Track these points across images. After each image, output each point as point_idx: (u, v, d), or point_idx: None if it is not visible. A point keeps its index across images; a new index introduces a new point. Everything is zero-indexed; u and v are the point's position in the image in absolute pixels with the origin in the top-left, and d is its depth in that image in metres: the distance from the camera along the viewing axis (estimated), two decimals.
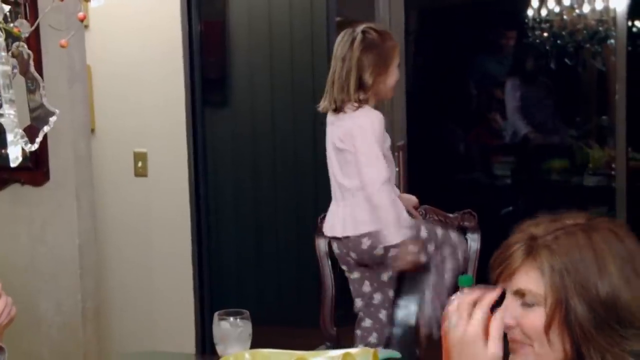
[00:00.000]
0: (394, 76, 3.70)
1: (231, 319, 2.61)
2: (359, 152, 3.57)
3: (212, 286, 4.66)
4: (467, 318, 1.72)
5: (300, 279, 3.98)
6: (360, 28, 3.67)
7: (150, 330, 4.66)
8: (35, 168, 3.69)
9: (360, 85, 3.59)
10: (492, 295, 1.74)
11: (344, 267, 3.70)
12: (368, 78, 3.60)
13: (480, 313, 1.72)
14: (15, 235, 3.66)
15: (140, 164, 4.79)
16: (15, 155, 1.37)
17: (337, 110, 3.66)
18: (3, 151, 3.58)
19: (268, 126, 4.96)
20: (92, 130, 4.34)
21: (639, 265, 1.66)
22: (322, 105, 3.73)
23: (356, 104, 3.59)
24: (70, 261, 3.65)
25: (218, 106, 4.96)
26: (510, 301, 1.73)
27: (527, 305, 1.71)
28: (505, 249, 1.76)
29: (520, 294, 1.71)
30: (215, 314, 2.65)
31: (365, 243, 3.57)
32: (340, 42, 3.70)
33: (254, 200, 4.96)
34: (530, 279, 1.70)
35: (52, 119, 1.43)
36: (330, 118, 3.74)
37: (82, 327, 3.64)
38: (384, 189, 3.54)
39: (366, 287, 3.74)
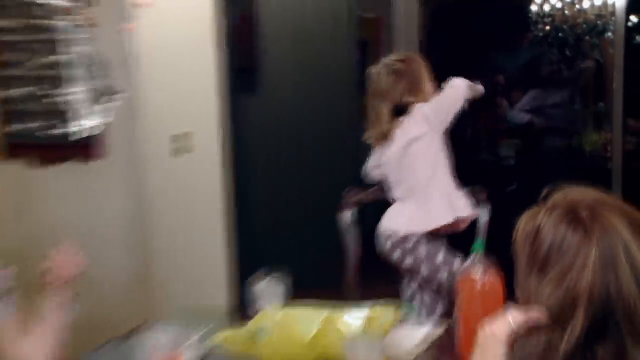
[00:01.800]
0: (429, 93, 3.75)
1: (267, 279, 2.70)
2: None
3: (253, 250, 4.79)
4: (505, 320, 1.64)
5: (329, 247, 4.06)
6: (383, 63, 3.77)
7: (192, 289, 4.76)
8: (89, 146, 3.71)
9: (402, 112, 3.69)
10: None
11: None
12: (407, 103, 3.68)
13: (512, 318, 1.65)
14: (75, 204, 3.74)
15: (178, 145, 4.90)
16: (89, 126, 1.47)
17: (386, 139, 3.78)
18: (63, 130, 3.75)
19: (292, 108, 5.04)
20: (137, 115, 4.45)
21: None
22: (370, 136, 3.84)
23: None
24: (122, 227, 3.76)
25: (248, 89, 5.03)
26: None
27: None
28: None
29: None
30: (254, 275, 2.74)
31: None
32: (373, 82, 3.79)
33: (281, 174, 5.03)
34: None
35: (118, 97, 1.53)
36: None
37: (134, 287, 3.75)
38: None
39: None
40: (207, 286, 4.72)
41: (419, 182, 3.78)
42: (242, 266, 4.21)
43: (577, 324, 1.47)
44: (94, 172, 3.74)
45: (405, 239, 3.72)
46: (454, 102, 3.76)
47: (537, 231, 1.57)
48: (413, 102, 3.69)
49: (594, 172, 5.17)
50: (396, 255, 3.77)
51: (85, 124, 1.38)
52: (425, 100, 3.71)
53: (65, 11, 1.66)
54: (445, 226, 3.73)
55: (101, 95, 1.36)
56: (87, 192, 3.75)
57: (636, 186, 4.86)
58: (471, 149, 5.92)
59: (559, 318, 1.51)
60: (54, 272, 2.49)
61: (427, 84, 3.78)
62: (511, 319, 1.67)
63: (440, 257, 3.73)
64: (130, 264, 3.76)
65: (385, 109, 3.73)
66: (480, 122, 5.75)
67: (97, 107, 1.32)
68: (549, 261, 1.53)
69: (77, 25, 1.29)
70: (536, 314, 1.61)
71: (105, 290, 3.73)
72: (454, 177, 3.90)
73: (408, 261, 3.76)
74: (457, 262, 3.63)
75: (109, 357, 2.68)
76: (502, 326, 1.68)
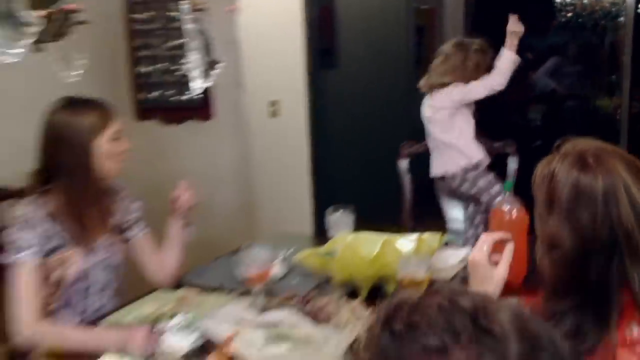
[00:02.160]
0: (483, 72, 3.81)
1: (339, 212, 2.75)
2: None
3: (326, 189, 4.80)
4: (479, 247, 1.79)
5: (389, 188, 4.09)
6: (472, 44, 3.86)
7: (283, 219, 4.84)
8: (204, 108, 3.82)
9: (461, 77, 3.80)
10: (498, 235, 1.82)
11: None
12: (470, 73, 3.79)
13: (485, 245, 1.79)
14: (192, 154, 3.83)
15: (274, 107, 4.98)
16: (197, 87, 1.50)
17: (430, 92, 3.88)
18: (183, 96, 3.85)
19: (362, 80, 5.03)
20: (242, 84, 4.53)
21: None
22: (422, 84, 3.94)
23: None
24: (230, 171, 3.85)
25: (328, 65, 5.04)
26: None
27: None
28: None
29: None
30: (329, 209, 2.80)
31: None
32: (451, 49, 3.87)
33: (352, 132, 5.06)
34: None
35: (220, 66, 1.56)
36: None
37: (238, 217, 3.86)
38: None
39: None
40: (294, 217, 4.77)
41: (445, 138, 3.88)
42: (320, 202, 4.21)
43: (593, 248, 1.50)
44: (208, 129, 3.82)
45: (471, 171, 3.85)
46: (479, 94, 3.80)
47: (552, 175, 1.57)
48: (454, 81, 3.78)
49: (605, 131, 5.09)
50: (464, 187, 3.89)
51: (199, 91, 1.40)
52: (464, 80, 3.78)
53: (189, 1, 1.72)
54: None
55: (210, 66, 1.37)
56: (203, 144, 3.82)
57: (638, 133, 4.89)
58: (506, 112, 5.87)
59: (576, 244, 1.52)
60: (178, 202, 2.56)
61: (483, 70, 3.82)
62: (484, 244, 1.79)
63: (496, 188, 3.81)
64: (236, 198, 3.85)
65: (440, 69, 3.83)
66: (513, 92, 5.72)
67: (207, 77, 1.33)
68: (562, 198, 1.53)
69: (194, 10, 1.33)
70: (501, 234, 1.79)
71: (216, 218, 3.82)
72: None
73: (473, 190, 3.87)
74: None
75: (217, 270, 2.72)
76: (479, 253, 1.80)
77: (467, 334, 0.87)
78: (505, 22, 3.75)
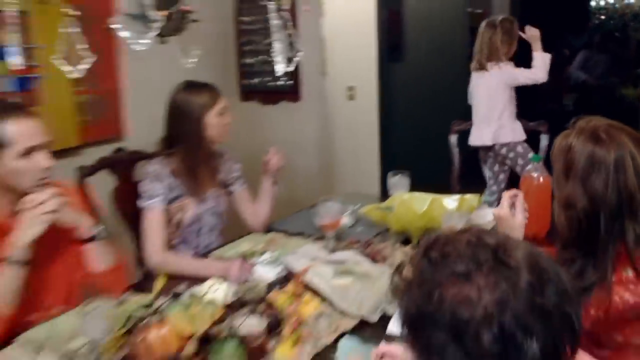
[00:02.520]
0: (514, 48, 3.74)
1: (398, 176, 2.68)
2: None
3: (391, 158, 4.78)
4: (501, 204, 1.81)
5: (441, 157, 4.06)
6: (498, 19, 3.74)
7: (355, 181, 4.88)
8: (294, 92, 3.82)
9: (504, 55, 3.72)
10: (514, 192, 1.83)
11: None
12: (503, 50, 3.71)
13: (504, 202, 1.80)
14: (283, 128, 3.86)
15: (351, 92, 4.97)
16: (281, 70, 1.47)
17: (481, 68, 3.78)
18: (277, 82, 3.90)
19: (424, 71, 4.96)
20: (325, 73, 4.55)
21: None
22: (475, 65, 3.83)
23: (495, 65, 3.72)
24: (314, 141, 3.83)
25: (395, 60, 5.00)
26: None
27: None
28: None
29: None
30: (389, 173, 2.74)
31: None
32: (488, 31, 3.74)
33: (413, 113, 4.99)
34: None
35: (300, 54, 1.52)
36: (476, 74, 3.83)
37: (318, 178, 3.86)
38: None
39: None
40: (365, 180, 4.77)
41: (491, 112, 3.80)
42: (386, 168, 4.19)
43: (602, 208, 1.48)
44: (297, 109, 3.82)
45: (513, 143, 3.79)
46: (522, 82, 3.75)
47: (570, 147, 1.54)
48: (500, 60, 3.70)
49: (628, 116, 4.89)
50: (503, 150, 3.83)
51: (281, 73, 1.38)
52: (510, 53, 3.74)
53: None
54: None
55: (291, 54, 1.36)
56: (292, 121, 3.83)
57: None
58: (545, 99, 5.68)
59: (588, 205, 1.50)
60: (269, 164, 2.56)
61: (514, 44, 3.75)
62: (504, 201, 1.81)
63: (528, 155, 3.73)
64: (317, 164, 3.85)
65: (495, 50, 3.72)
66: (551, 82, 5.55)
67: (289, 63, 1.31)
68: (579, 167, 1.51)
69: (279, 10, 1.31)
70: (515, 191, 1.81)
71: (300, 179, 3.83)
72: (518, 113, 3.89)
73: (511, 155, 3.81)
74: None
75: (299, 219, 2.74)
76: (501, 209, 1.81)
77: (488, 265, 0.89)
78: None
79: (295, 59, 1.42)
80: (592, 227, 1.52)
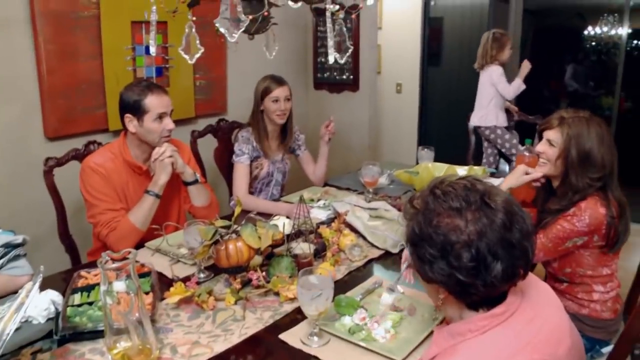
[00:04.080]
0: (507, 53, 3.60)
1: (426, 150, 2.65)
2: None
3: (425, 136, 4.75)
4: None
5: (460, 138, 3.99)
6: (492, 32, 3.63)
7: (395, 152, 4.86)
8: (354, 84, 3.71)
9: (491, 58, 3.59)
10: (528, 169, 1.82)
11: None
12: (491, 53, 3.59)
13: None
14: (346, 112, 3.76)
15: (398, 87, 4.91)
16: (333, 61, 1.43)
17: (481, 68, 3.68)
18: (342, 76, 3.87)
19: (456, 73, 4.80)
20: (379, 72, 4.49)
21: (606, 140, 1.60)
22: (477, 65, 3.74)
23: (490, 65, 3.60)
24: (367, 123, 3.73)
25: (434, 65, 4.90)
26: (543, 142, 1.70)
27: (552, 146, 1.66)
28: (549, 119, 1.70)
29: (549, 140, 1.67)
30: (419, 147, 2.71)
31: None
32: (484, 39, 3.65)
33: (445, 105, 4.86)
34: (556, 135, 1.65)
35: (349, 50, 1.46)
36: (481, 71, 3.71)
37: (365, 148, 3.76)
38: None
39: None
40: (404, 153, 4.75)
41: (482, 102, 3.70)
42: (420, 145, 4.16)
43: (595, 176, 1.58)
44: (356, 97, 3.75)
45: (498, 128, 3.69)
46: (501, 89, 3.62)
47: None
48: (491, 62, 3.61)
49: (601, 118, 4.65)
50: (492, 136, 3.71)
51: (332, 61, 1.35)
52: (503, 56, 3.60)
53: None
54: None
55: (343, 50, 1.30)
56: (352, 106, 3.76)
57: (624, 125, 4.45)
58: (546, 101, 5.40)
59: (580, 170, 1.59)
60: (326, 130, 2.50)
61: (507, 50, 3.61)
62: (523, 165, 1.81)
63: (513, 141, 3.68)
64: (368, 140, 3.80)
65: (488, 55, 3.62)
66: (552, 88, 5.40)
67: (341, 56, 1.28)
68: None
69: (333, 16, 1.27)
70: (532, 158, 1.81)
71: (354, 151, 3.79)
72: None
73: (492, 136, 3.72)
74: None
75: (347, 178, 2.74)
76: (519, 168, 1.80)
77: (476, 204, 0.92)
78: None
79: (345, 54, 1.42)
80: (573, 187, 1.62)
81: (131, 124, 1.87)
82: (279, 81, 2.38)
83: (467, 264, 0.89)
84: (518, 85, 3.57)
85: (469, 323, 0.94)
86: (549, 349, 0.90)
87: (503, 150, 3.74)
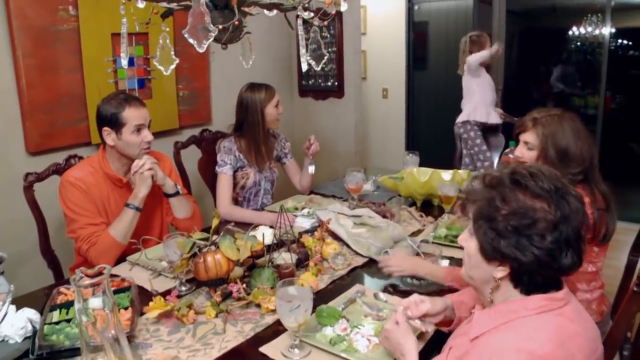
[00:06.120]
0: (486, 54, 3.62)
1: (411, 155, 2.64)
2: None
3: (412, 141, 4.77)
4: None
5: (447, 143, 3.99)
6: (468, 35, 3.69)
7: (383, 157, 4.88)
8: (339, 91, 3.69)
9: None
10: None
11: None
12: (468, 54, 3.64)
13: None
14: (330, 119, 3.74)
15: (384, 93, 4.92)
16: (307, 67, 1.41)
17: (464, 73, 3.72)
18: (326, 84, 3.87)
19: (440, 78, 4.80)
20: (364, 78, 4.50)
21: (582, 134, 1.60)
22: (460, 70, 3.78)
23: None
24: (353, 130, 3.69)
25: (419, 69, 4.90)
26: (521, 146, 1.70)
27: (529, 149, 1.66)
28: (523, 121, 1.71)
29: (526, 143, 1.67)
30: (405, 152, 2.69)
31: None
32: (462, 44, 3.71)
33: (432, 109, 4.85)
34: (531, 136, 1.65)
35: (325, 57, 1.44)
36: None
37: (352, 155, 3.72)
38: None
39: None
40: (391, 158, 4.74)
41: (466, 99, 3.74)
42: (408, 149, 4.16)
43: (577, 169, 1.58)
44: (341, 104, 3.73)
45: (469, 124, 3.71)
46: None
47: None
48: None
49: (591, 117, 4.69)
50: (464, 135, 3.74)
51: (306, 68, 1.31)
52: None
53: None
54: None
55: (318, 57, 1.28)
56: (337, 112, 3.74)
57: (610, 123, 4.48)
58: (532, 103, 5.41)
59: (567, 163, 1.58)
60: (309, 147, 2.46)
61: (487, 51, 3.64)
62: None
63: (482, 146, 3.69)
64: (354, 146, 3.78)
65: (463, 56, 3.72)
66: (539, 90, 5.42)
67: (317, 63, 1.27)
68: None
69: (309, 24, 1.25)
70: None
71: (340, 157, 3.77)
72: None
73: (469, 142, 3.74)
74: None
75: (331, 185, 2.73)
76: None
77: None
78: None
79: (322, 61, 1.41)
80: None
81: (109, 137, 1.85)
82: (270, 86, 2.38)
83: (548, 245, 0.91)
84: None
85: (526, 301, 0.95)
86: (589, 349, 0.93)
87: (471, 152, 3.73)
